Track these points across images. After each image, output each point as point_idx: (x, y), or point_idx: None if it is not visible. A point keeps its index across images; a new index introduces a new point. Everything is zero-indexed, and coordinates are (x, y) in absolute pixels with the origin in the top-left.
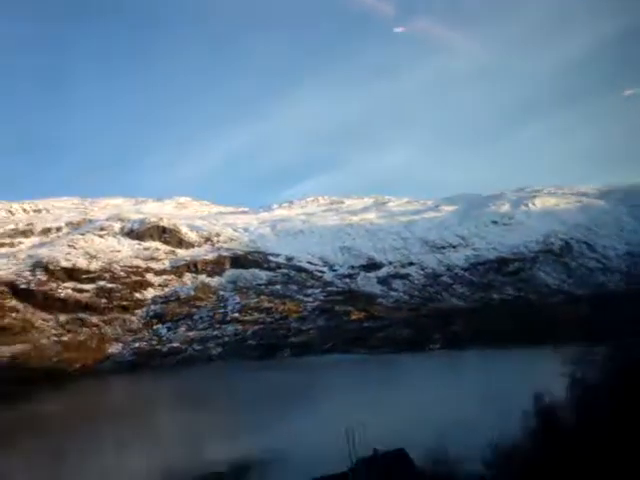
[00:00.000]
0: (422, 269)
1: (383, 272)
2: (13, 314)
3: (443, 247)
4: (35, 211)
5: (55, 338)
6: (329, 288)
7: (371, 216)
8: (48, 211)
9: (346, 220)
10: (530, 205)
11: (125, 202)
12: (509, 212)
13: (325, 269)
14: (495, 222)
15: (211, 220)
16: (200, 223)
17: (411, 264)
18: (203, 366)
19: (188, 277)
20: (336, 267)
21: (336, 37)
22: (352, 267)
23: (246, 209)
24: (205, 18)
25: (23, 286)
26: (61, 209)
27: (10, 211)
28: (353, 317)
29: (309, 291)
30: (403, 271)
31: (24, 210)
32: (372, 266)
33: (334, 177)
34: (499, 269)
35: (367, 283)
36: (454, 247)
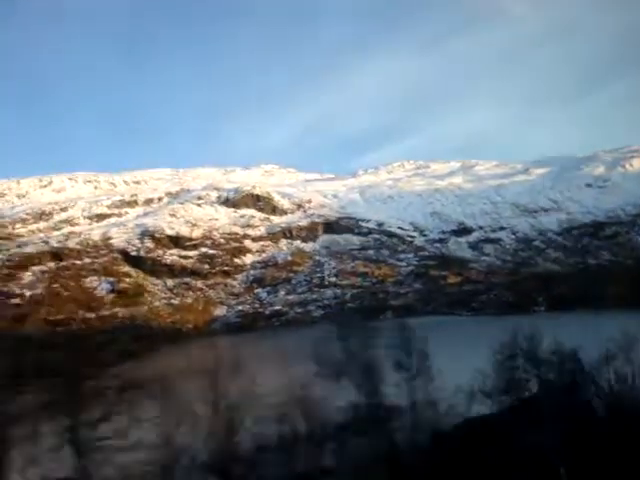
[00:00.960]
0: (513, 233)
1: (474, 237)
2: (127, 279)
3: (535, 211)
4: (135, 182)
5: (165, 301)
6: (421, 253)
7: (458, 180)
8: (146, 182)
9: (433, 185)
10: (627, 166)
11: (215, 171)
12: (604, 174)
13: (416, 234)
14: (589, 185)
15: (299, 187)
16: (290, 190)
17: (502, 229)
18: (307, 328)
19: (283, 243)
20: (426, 232)
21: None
22: (442, 232)
23: (332, 175)
24: None
25: (134, 253)
26: (158, 180)
27: (113, 183)
28: (450, 281)
29: (402, 256)
30: (494, 236)
31: (125, 182)
32: (462, 231)
33: (418, 141)
34: (594, 233)
35: (458, 248)
36: (546, 211)
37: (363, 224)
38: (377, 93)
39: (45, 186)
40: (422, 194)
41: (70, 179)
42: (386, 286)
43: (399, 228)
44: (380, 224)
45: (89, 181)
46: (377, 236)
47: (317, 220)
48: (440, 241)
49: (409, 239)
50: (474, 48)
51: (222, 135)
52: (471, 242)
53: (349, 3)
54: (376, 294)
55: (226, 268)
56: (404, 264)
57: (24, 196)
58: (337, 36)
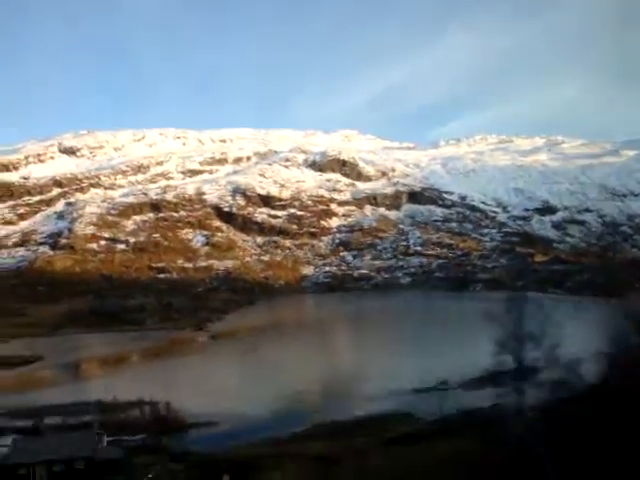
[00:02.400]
0: (600, 216)
1: (558, 217)
2: (219, 233)
3: (624, 195)
4: (221, 141)
5: (256, 257)
6: (504, 229)
7: (543, 157)
8: (232, 141)
9: (517, 161)
10: None
11: (296, 133)
12: None
13: (498, 210)
14: None
15: (381, 155)
16: (372, 157)
17: (588, 210)
18: (396, 292)
19: (368, 209)
20: (509, 208)
21: None
22: (526, 209)
23: (411, 145)
24: None
25: (226, 209)
26: (242, 139)
27: (200, 140)
28: (537, 259)
29: (485, 231)
30: (579, 217)
31: (212, 140)
32: (547, 210)
33: (498, 113)
34: None
35: (541, 227)
36: (636, 195)
37: (446, 196)
38: (459, 62)
39: (139, 140)
40: (505, 169)
41: (161, 134)
42: (471, 259)
43: (482, 202)
44: (463, 197)
45: (178, 137)
46: (460, 209)
47: (401, 189)
48: (523, 218)
49: (492, 214)
50: (567, 19)
51: (300, 98)
52: (555, 222)
53: None
54: (462, 266)
55: (313, 229)
56: (487, 239)
57: (120, 149)
58: (420, 5)
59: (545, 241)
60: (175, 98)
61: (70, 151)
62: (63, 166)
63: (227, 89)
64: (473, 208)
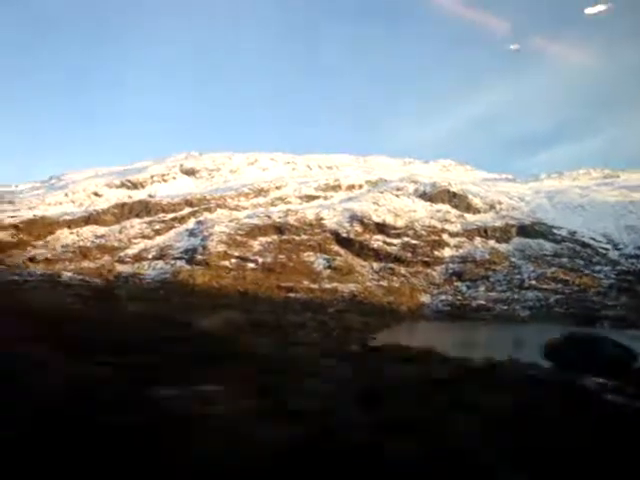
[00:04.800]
0: None
1: None
2: (338, 257)
3: None
4: (327, 167)
5: (375, 282)
6: (618, 267)
7: None
8: (338, 168)
9: (627, 197)
10: None
11: (394, 161)
12: None
13: (609, 247)
14: None
15: (483, 186)
16: (477, 189)
17: None
18: (520, 324)
19: (478, 241)
20: (620, 246)
21: None
22: (638, 247)
23: (509, 176)
24: None
25: (344, 235)
26: (347, 166)
27: (309, 166)
28: None
29: (597, 268)
30: None
31: (319, 167)
32: None
33: (596, 144)
34: None
35: None
36: None
37: (555, 231)
38: (551, 92)
39: (252, 164)
40: (614, 205)
41: (271, 159)
42: (588, 295)
43: (592, 239)
44: (572, 233)
45: (288, 162)
46: (570, 245)
47: (511, 222)
48: (636, 257)
49: (602, 251)
50: None
51: (392, 124)
52: None
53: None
54: (581, 302)
55: (427, 259)
56: (602, 276)
57: (235, 172)
58: (511, 34)
59: None
60: (276, 124)
61: (190, 172)
62: (184, 186)
63: (324, 115)
64: (583, 244)
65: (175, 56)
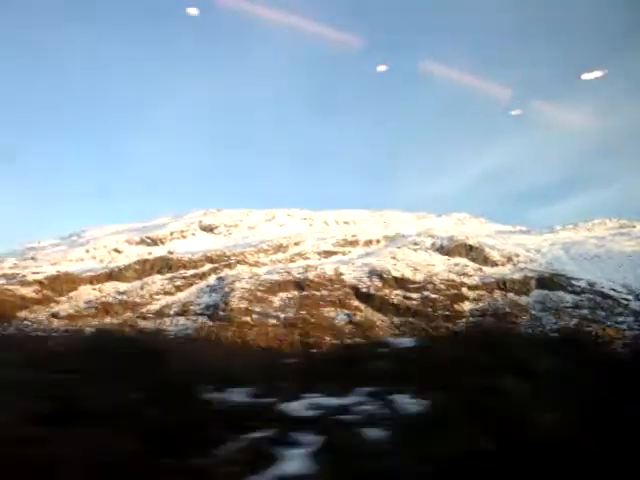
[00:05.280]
0: None
1: None
2: (359, 313)
3: None
4: (344, 222)
5: (395, 337)
6: None
7: None
8: (355, 223)
9: None
10: None
11: (408, 215)
12: None
13: (630, 297)
14: None
15: (499, 239)
16: (493, 242)
17: None
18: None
19: (498, 294)
20: None
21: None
22: None
23: (524, 228)
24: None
25: (364, 290)
26: (363, 221)
27: (326, 222)
28: None
29: (619, 319)
30: None
31: (336, 222)
32: None
33: (608, 195)
34: None
35: None
36: None
37: (574, 282)
38: (560, 145)
39: (269, 220)
40: (632, 255)
41: (288, 215)
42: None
43: (612, 290)
44: (591, 284)
45: (305, 218)
46: (590, 296)
47: (530, 274)
48: None
49: (624, 302)
50: None
51: (402, 181)
52: None
53: (542, 52)
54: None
55: (447, 312)
56: (625, 327)
57: (253, 228)
58: (511, 98)
59: None
60: (292, 180)
61: (209, 228)
62: (203, 242)
63: (339, 171)
64: (604, 295)
65: (190, 114)
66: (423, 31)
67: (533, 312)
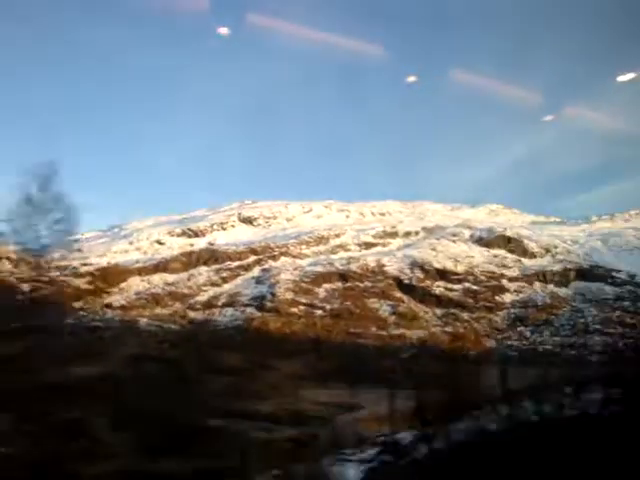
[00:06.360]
0: None
1: None
2: (402, 304)
3: None
4: (380, 214)
5: (439, 328)
6: None
7: None
8: (390, 214)
9: None
10: None
11: (439, 206)
12: None
13: None
14: None
15: (534, 230)
16: (528, 233)
17: None
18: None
19: (537, 286)
20: None
21: None
22: None
23: (557, 219)
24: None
25: (406, 281)
26: (398, 212)
27: (362, 213)
28: None
29: None
30: None
31: (372, 213)
32: None
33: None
34: None
35: None
36: None
37: (614, 274)
38: (592, 133)
39: (307, 212)
40: None
41: (325, 207)
42: None
43: None
44: (632, 276)
45: (341, 210)
46: (631, 288)
47: (569, 266)
48: None
49: None
50: None
51: (431, 172)
52: None
53: (574, 46)
54: None
55: (488, 304)
56: None
57: (291, 220)
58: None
59: None
60: (324, 171)
61: (248, 220)
62: (243, 234)
63: (370, 163)
64: None
65: (226, 114)
66: (451, 39)
67: (574, 304)
